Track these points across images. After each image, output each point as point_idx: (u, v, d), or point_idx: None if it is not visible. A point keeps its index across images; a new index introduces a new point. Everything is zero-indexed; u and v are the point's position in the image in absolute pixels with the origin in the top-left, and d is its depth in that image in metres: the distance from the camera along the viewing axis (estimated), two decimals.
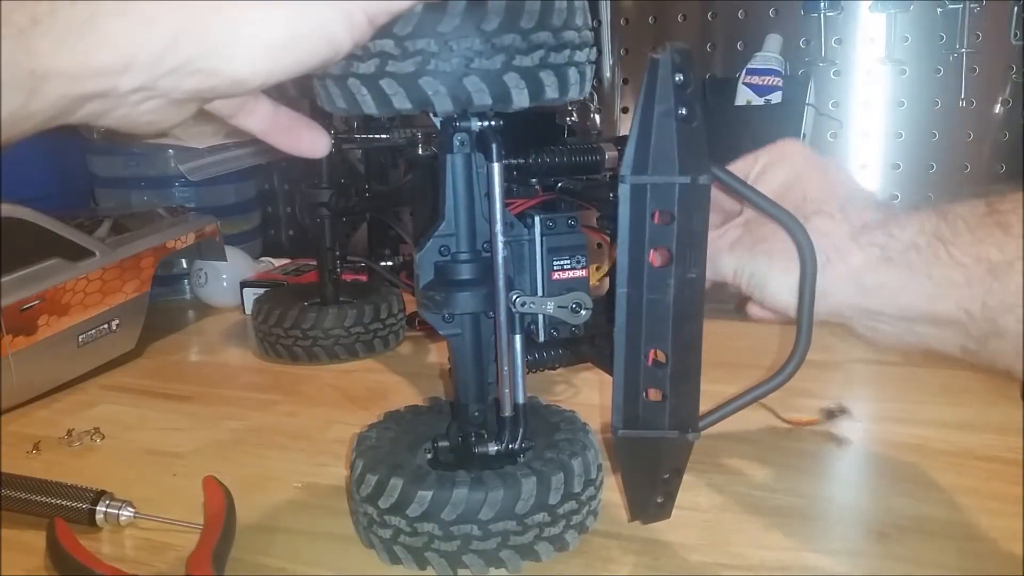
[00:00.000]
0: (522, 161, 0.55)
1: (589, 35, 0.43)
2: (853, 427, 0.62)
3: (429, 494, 0.43)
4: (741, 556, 0.46)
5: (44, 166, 1.10)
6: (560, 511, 0.45)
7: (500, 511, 0.43)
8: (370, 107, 0.40)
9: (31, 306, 0.70)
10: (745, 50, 0.90)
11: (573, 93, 0.42)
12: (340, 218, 0.82)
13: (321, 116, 0.82)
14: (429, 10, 0.38)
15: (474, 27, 0.38)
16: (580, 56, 0.42)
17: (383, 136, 0.80)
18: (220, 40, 0.31)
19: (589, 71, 0.43)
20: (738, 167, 0.46)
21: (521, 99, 0.40)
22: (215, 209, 1.04)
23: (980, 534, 0.48)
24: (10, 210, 0.69)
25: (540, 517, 0.44)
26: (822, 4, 0.88)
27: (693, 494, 0.52)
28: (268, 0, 0.32)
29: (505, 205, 0.45)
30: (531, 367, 0.63)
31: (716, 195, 0.43)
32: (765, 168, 0.46)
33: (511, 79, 0.39)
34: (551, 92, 0.41)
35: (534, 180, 0.55)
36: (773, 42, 0.87)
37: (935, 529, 0.48)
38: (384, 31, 0.38)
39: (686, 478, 0.45)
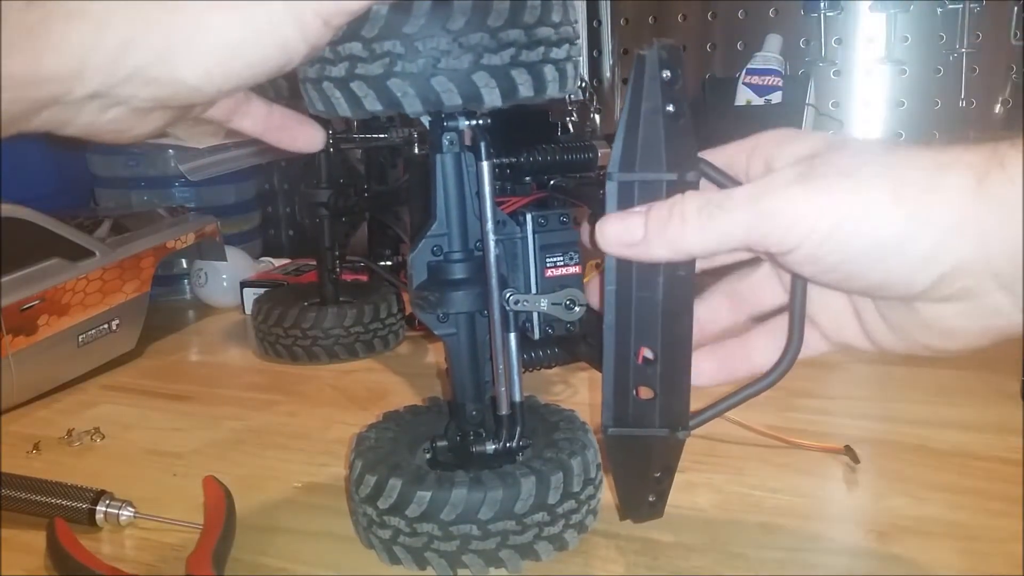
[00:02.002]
0: (515, 160, 0.54)
1: (570, 31, 0.42)
2: (853, 427, 0.62)
3: (428, 494, 0.43)
4: (741, 556, 0.46)
5: (44, 166, 1.10)
6: (559, 510, 0.45)
7: (499, 511, 0.43)
8: (344, 110, 0.41)
9: (31, 306, 0.70)
10: (745, 50, 0.90)
11: (552, 91, 0.41)
12: (339, 218, 0.82)
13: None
14: (395, 11, 0.38)
15: (440, 27, 0.38)
16: (558, 53, 0.41)
17: (381, 136, 0.80)
18: (170, 47, 0.31)
19: (571, 68, 0.42)
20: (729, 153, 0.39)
21: (492, 98, 0.40)
22: (215, 209, 1.04)
23: (980, 534, 0.47)
24: (10, 210, 0.69)
25: (540, 516, 0.44)
26: (822, 4, 0.88)
27: (693, 494, 0.52)
28: (218, 3, 0.31)
29: (498, 204, 0.44)
30: (526, 366, 0.62)
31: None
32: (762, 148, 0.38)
33: (480, 78, 0.39)
34: (525, 91, 0.40)
35: (528, 178, 0.55)
36: (773, 42, 0.87)
37: (935, 529, 0.48)
38: (351, 34, 0.38)
39: (686, 478, 0.45)
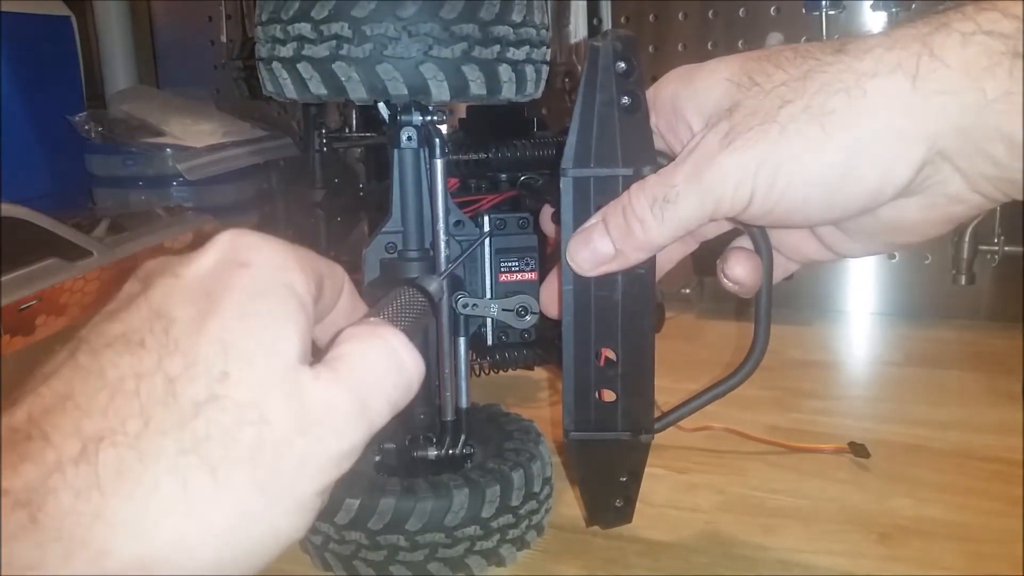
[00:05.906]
0: (482, 156, 0.53)
1: (532, 33, 0.41)
2: (855, 427, 0.62)
3: (356, 502, 0.41)
4: (742, 557, 0.46)
5: (42, 166, 1.10)
6: (494, 524, 0.43)
7: (428, 522, 0.41)
8: (291, 91, 0.41)
9: (29, 306, 0.69)
10: (746, 48, 0.90)
11: (508, 92, 0.41)
12: (334, 218, 0.82)
13: (314, 118, 0.81)
14: None
15: (390, 13, 0.38)
16: (516, 54, 0.41)
17: (373, 135, 0.80)
18: None
19: (531, 71, 0.42)
20: None
21: (440, 92, 0.39)
22: (213, 209, 1.03)
23: (981, 535, 0.47)
24: (8, 210, 0.69)
25: (472, 530, 0.42)
26: (824, 3, 0.88)
27: (694, 495, 0.52)
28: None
29: (469, 202, 0.43)
30: (498, 366, 0.61)
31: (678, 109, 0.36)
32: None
33: (428, 70, 0.39)
34: (476, 88, 0.40)
35: (504, 176, 0.54)
36: (774, 41, 0.87)
37: (936, 530, 0.48)
38: (302, 14, 0.38)
39: (687, 479, 0.45)
